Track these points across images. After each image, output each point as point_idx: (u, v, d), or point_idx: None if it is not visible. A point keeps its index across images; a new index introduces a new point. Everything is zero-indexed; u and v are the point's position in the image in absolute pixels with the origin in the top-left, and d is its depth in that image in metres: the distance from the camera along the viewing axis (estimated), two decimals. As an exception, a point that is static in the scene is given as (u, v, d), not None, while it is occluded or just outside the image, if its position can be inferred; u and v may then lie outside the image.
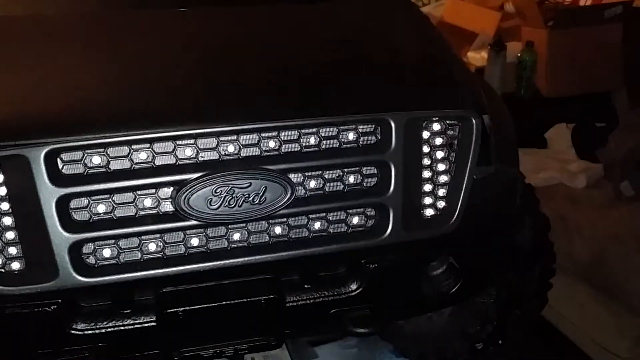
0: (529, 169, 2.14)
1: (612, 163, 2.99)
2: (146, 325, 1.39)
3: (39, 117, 1.14)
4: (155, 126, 1.13)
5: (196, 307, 1.36)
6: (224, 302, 1.37)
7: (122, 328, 1.39)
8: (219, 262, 1.15)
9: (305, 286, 1.44)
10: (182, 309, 1.36)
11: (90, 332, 1.38)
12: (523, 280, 1.78)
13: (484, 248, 1.49)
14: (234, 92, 1.24)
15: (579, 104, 3.38)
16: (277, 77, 1.31)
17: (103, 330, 1.39)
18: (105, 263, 1.11)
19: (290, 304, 1.43)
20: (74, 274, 1.06)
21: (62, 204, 1.04)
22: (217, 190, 1.09)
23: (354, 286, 1.45)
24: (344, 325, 1.50)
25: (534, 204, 1.80)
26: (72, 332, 1.37)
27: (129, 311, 1.40)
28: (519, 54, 3.42)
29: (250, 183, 1.11)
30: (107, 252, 1.10)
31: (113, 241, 1.10)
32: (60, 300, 1.26)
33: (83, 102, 1.18)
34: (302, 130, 1.17)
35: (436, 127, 1.24)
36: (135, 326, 1.39)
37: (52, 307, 1.29)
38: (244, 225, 1.16)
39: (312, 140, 1.17)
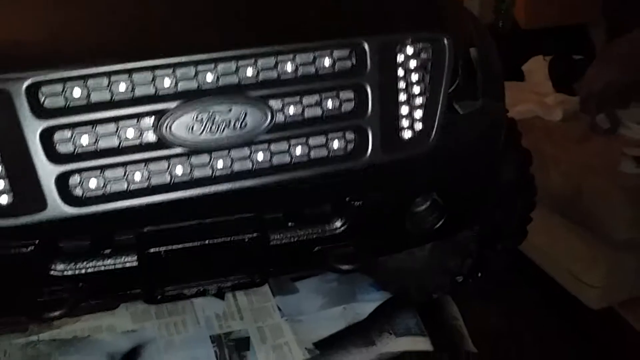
0: (506, 102, 2.13)
1: (589, 96, 3.00)
2: (127, 265, 1.38)
3: (17, 51, 1.11)
4: (132, 56, 1.12)
5: (179, 246, 1.35)
6: (207, 242, 1.36)
7: (102, 268, 1.37)
8: (204, 189, 1.16)
9: (289, 224, 1.43)
10: (164, 248, 1.35)
11: (70, 272, 1.36)
12: (505, 214, 1.79)
13: (468, 183, 1.48)
14: (207, 21, 1.24)
15: (557, 36, 3.35)
16: (247, 4, 1.31)
17: (83, 271, 1.37)
18: (92, 194, 1.11)
19: (274, 242, 1.42)
20: (62, 205, 1.07)
21: (46, 137, 1.04)
22: (199, 117, 1.10)
23: (338, 223, 1.44)
24: (328, 262, 1.50)
25: (517, 138, 1.79)
26: (51, 273, 1.35)
27: (109, 251, 1.38)
28: (497, -15, 3.36)
29: (231, 109, 1.12)
30: (93, 183, 1.11)
31: (99, 172, 1.11)
32: (38, 241, 1.24)
33: (59, 35, 1.16)
34: (279, 57, 1.17)
35: (409, 50, 1.26)
36: (117, 266, 1.37)
37: (29, 248, 1.27)
38: (227, 152, 1.17)
39: (289, 66, 1.18)
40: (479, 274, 1.88)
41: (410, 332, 1.97)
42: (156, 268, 1.39)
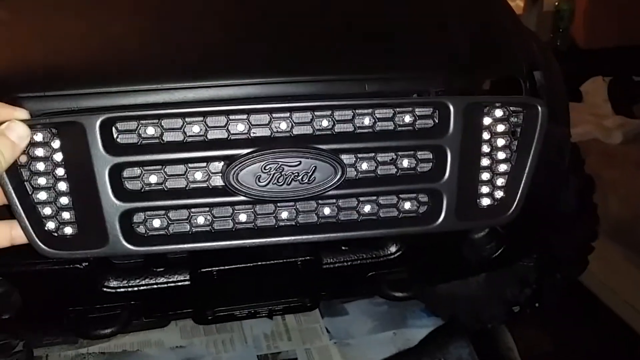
0: (566, 125, 2.08)
1: (650, 119, 2.92)
2: (179, 283, 1.37)
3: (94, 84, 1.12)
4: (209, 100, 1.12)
5: (231, 267, 1.34)
6: (260, 263, 1.34)
7: (155, 286, 1.37)
8: (266, 240, 1.12)
9: (343, 248, 1.40)
10: (216, 268, 1.33)
11: (122, 289, 1.36)
12: (566, 243, 1.73)
13: (529, 212, 1.43)
14: (287, 68, 1.21)
15: (617, 56, 3.26)
16: (331, 45, 1.27)
17: (135, 289, 1.37)
18: (155, 233, 1.08)
19: (327, 265, 1.40)
20: (124, 242, 1.04)
21: (115, 173, 1.02)
22: (267, 167, 1.06)
23: (393, 249, 1.41)
24: (381, 288, 1.47)
25: (580, 164, 1.73)
26: (104, 289, 1.35)
27: (162, 269, 1.38)
28: (556, 3, 3.31)
29: (300, 161, 1.07)
30: (157, 222, 1.08)
31: (163, 212, 1.08)
32: (92, 258, 1.24)
33: (137, 69, 1.17)
34: (357, 111, 1.12)
35: (498, 113, 1.16)
36: (169, 285, 1.37)
37: (83, 264, 1.27)
38: (292, 204, 1.12)
39: (367, 121, 1.12)
40: (537, 304, 1.82)
41: (462, 361, 1.92)
42: (208, 288, 1.38)
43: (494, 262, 1.50)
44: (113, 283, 1.36)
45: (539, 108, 1.13)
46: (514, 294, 1.78)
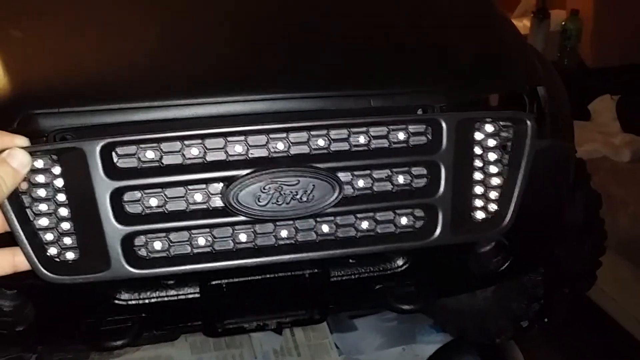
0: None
1: (659, 137, 2.93)
2: (190, 296, 1.39)
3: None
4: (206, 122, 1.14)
5: (240, 279, 1.35)
6: (268, 275, 1.36)
7: (165, 299, 1.39)
8: (266, 258, 1.14)
9: (350, 261, 1.41)
10: (225, 281, 1.35)
11: (133, 302, 1.38)
12: (573, 258, 1.73)
13: (535, 226, 1.44)
14: (282, 87, 1.22)
15: (625, 75, 3.28)
16: (326, 64, 1.29)
17: (146, 301, 1.39)
18: (156, 255, 1.11)
19: (335, 278, 1.41)
20: (126, 266, 1.05)
21: (116, 197, 1.04)
22: (266, 187, 1.08)
23: (400, 262, 1.42)
24: (388, 301, 1.48)
25: (586, 180, 1.74)
26: (116, 302, 1.37)
27: (172, 282, 1.40)
28: (563, 23, 3.34)
29: (299, 181, 1.09)
30: (158, 245, 1.10)
31: (164, 234, 1.10)
32: None
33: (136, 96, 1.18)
34: (352, 129, 1.14)
35: (489, 128, 1.19)
36: (179, 297, 1.39)
37: None
38: (291, 222, 1.15)
39: (362, 139, 1.15)
40: (546, 320, 1.82)
41: (471, 377, 1.92)
42: (217, 300, 1.40)
43: (501, 276, 1.51)
44: (124, 296, 1.38)
45: (528, 122, 1.16)
46: (521, 308, 1.78)
